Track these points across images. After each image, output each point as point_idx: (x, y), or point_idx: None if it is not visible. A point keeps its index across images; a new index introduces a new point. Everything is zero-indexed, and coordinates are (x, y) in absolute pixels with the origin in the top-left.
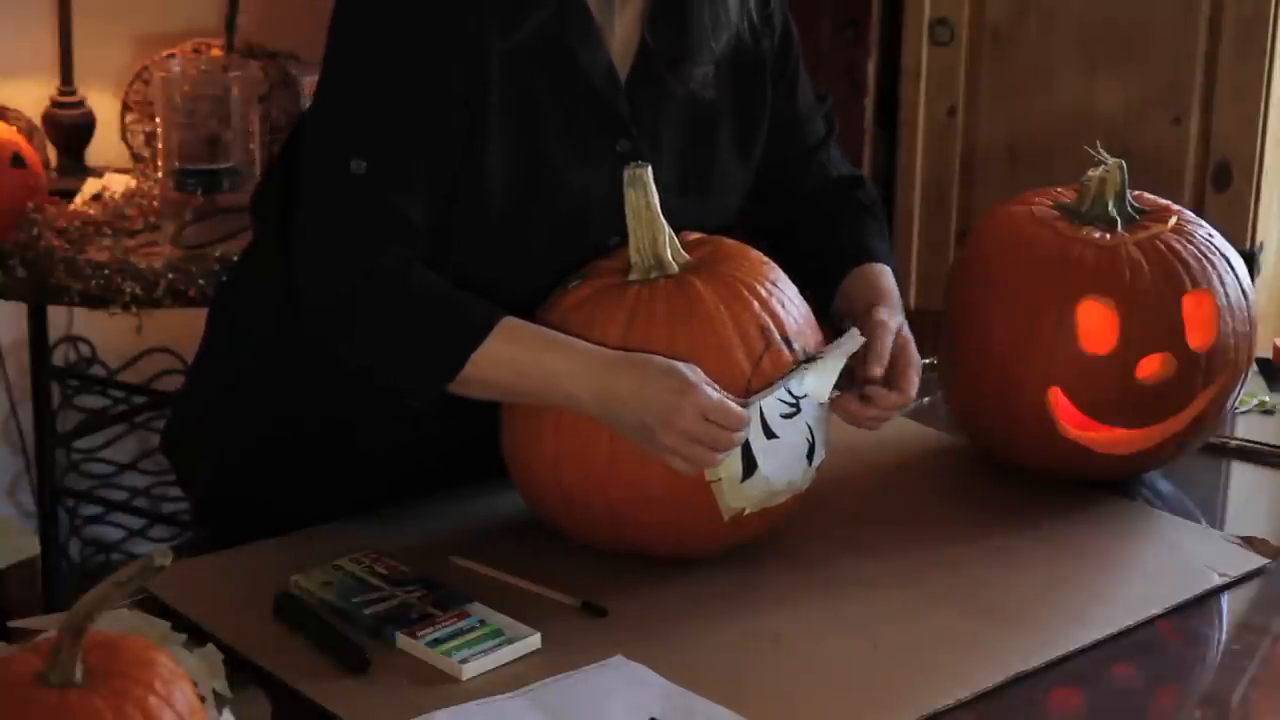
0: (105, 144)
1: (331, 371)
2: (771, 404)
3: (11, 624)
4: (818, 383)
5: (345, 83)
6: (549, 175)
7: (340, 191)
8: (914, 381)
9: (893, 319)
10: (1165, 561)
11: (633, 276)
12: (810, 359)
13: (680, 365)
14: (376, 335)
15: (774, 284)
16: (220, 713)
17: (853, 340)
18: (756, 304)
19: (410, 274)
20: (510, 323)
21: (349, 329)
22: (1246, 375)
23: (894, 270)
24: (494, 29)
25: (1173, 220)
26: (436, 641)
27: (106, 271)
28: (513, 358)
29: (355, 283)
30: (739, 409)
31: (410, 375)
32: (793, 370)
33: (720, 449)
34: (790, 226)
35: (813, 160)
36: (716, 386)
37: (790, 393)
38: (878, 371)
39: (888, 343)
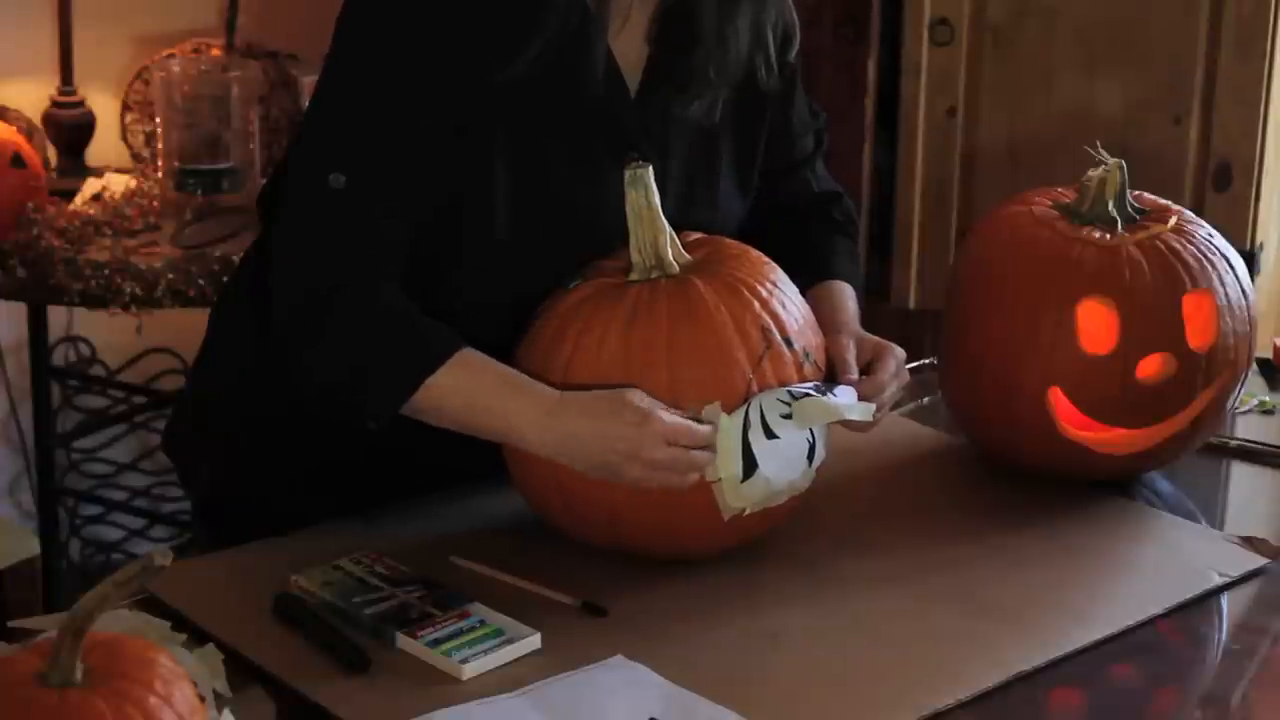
0: (105, 144)
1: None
2: (771, 404)
3: (11, 624)
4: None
5: (337, 97)
6: (557, 193)
7: (317, 204)
8: (891, 370)
9: (848, 335)
10: (1165, 561)
11: (633, 276)
12: (821, 392)
13: (630, 394)
14: (336, 351)
15: (775, 284)
16: (220, 713)
17: (862, 410)
18: (757, 304)
19: (378, 292)
20: (469, 355)
21: (310, 342)
22: (1246, 375)
23: (857, 287)
24: (492, 62)
25: (1173, 220)
26: (436, 641)
27: (106, 271)
28: (467, 390)
29: (321, 297)
30: (699, 427)
31: (365, 394)
32: (804, 395)
33: (689, 471)
34: (765, 237)
35: (796, 175)
36: (668, 407)
37: (790, 394)
38: (853, 379)
39: (847, 357)
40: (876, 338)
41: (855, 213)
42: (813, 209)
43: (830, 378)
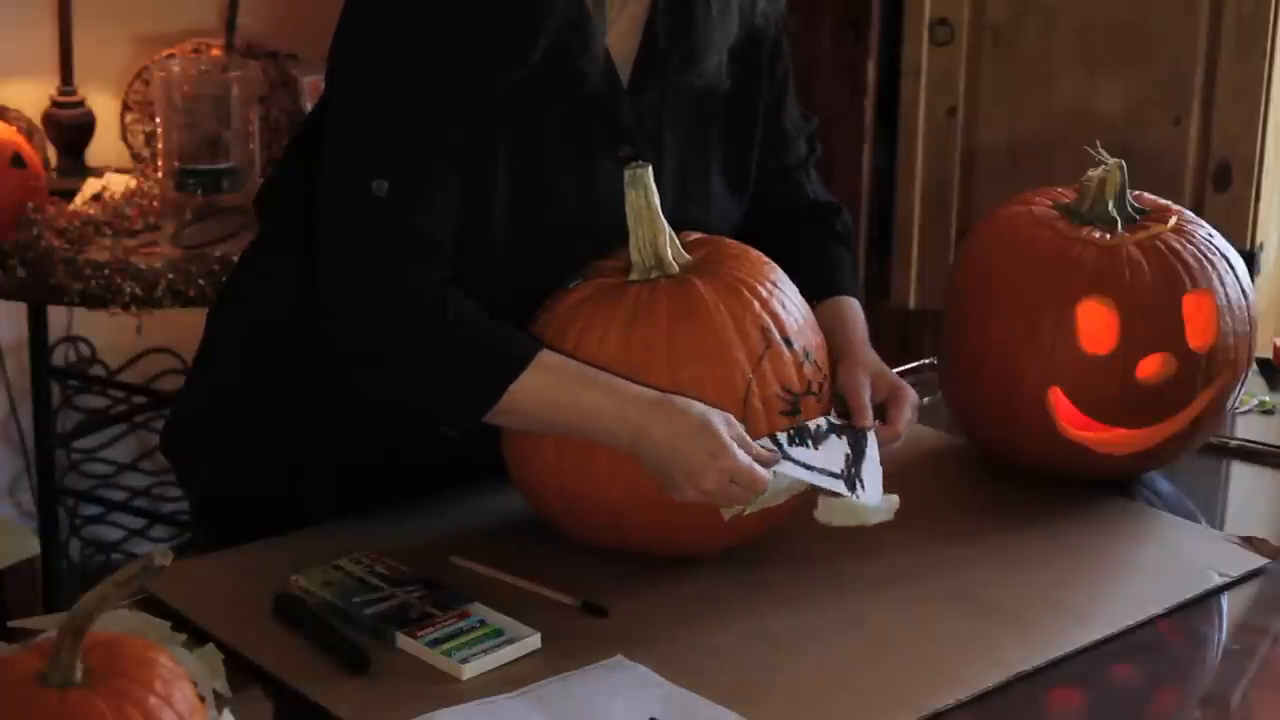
0: (105, 144)
1: (332, 372)
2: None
3: (11, 624)
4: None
5: (360, 105)
6: (554, 189)
7: (364, 213)
8: (906, 417)
9: (865, 370)
10: (1165, 561)
11: (633, 276)
12: (838, 428)
13: (715, 419)
14: (413, 366)
15: (774, 284)
16: (220, 713)
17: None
18: (757, 304)
19: (446, 301)
20: (548, 357)
21: (385, 357)
22: (1246, 375)
23: (861, 302)
24: (501, 61)
25: (1173, 220)
26: (436, 641)
27: (106, 271)
28: (550, 393)
29: (387, 307)
30: (764, 474)
31: (447, 406)
32: (823, 432)
33: (736, 504)
34: (768, 245)
35: (790, 179)
36: (747, 440)
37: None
38: (867, 424)
39: (864, 398)
40: (892, 375)
41: (852, 224)
42: (815, 220)
43: (844, 413)
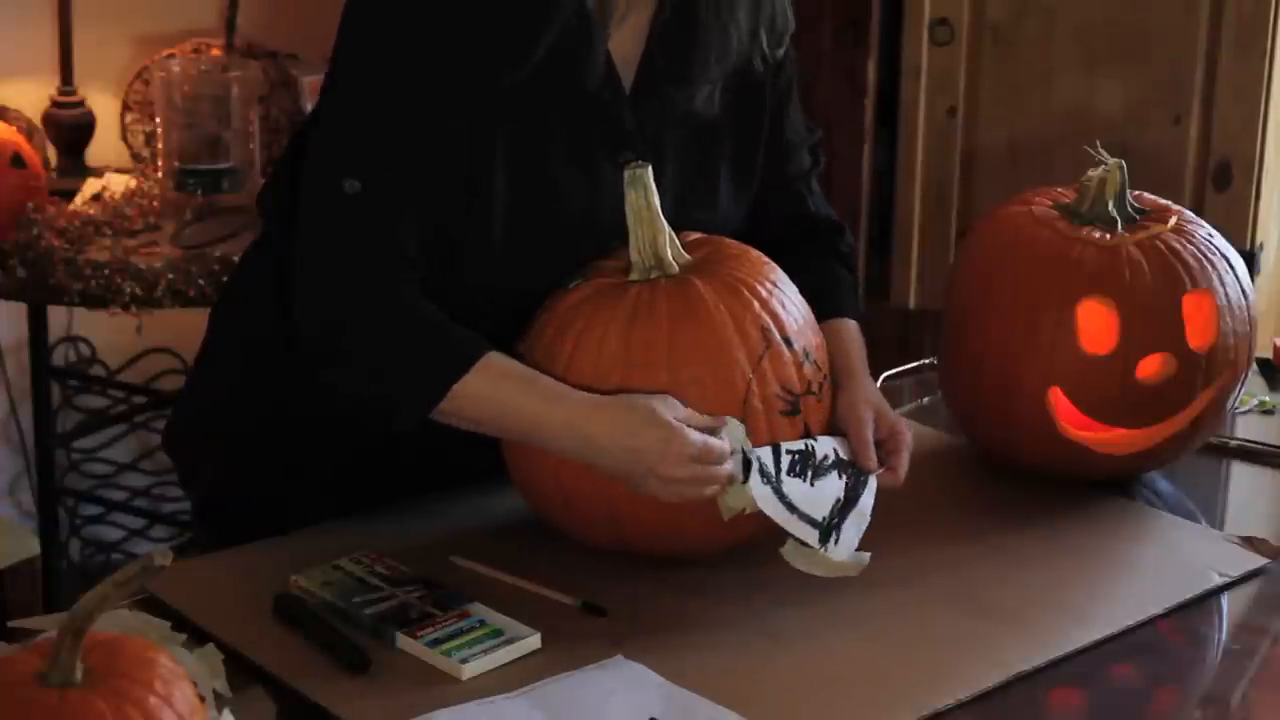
0: (105, 144)
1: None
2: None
3: (11, 624)
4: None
5: (347, 103)
6: (554, 191)
7: (333, 211)
8: (906, 462)
9: (869, 406)
10: (1165, 561)
11: (633, 276)
12: (843, 465)
13: (659, 408)
14: (362, 359)
15: (774, 284)
16: (220, 713)
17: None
18: (757, 304)
19: (399, 299)
20: (494, 360)
21: (336, 351)
22: (1246, 375)
23: (862, 325)
24: (505, 62)
25: (1173, 220)
26: (436, 641)
27: (106, 271)
28: (494, 396)
29: (344, 303)
30: (719, 443)
31: (391, 402)
32: (827, 465)
33: (708, 485)
34: (761, 249)
35: (792, 190)
36: (694, 415)
37: (790, 451)
38: (872, 468)
39: (867, 435)
40: (891, 413)
41: (854, 247)
42: (819, 236)
43: (838, 431)
